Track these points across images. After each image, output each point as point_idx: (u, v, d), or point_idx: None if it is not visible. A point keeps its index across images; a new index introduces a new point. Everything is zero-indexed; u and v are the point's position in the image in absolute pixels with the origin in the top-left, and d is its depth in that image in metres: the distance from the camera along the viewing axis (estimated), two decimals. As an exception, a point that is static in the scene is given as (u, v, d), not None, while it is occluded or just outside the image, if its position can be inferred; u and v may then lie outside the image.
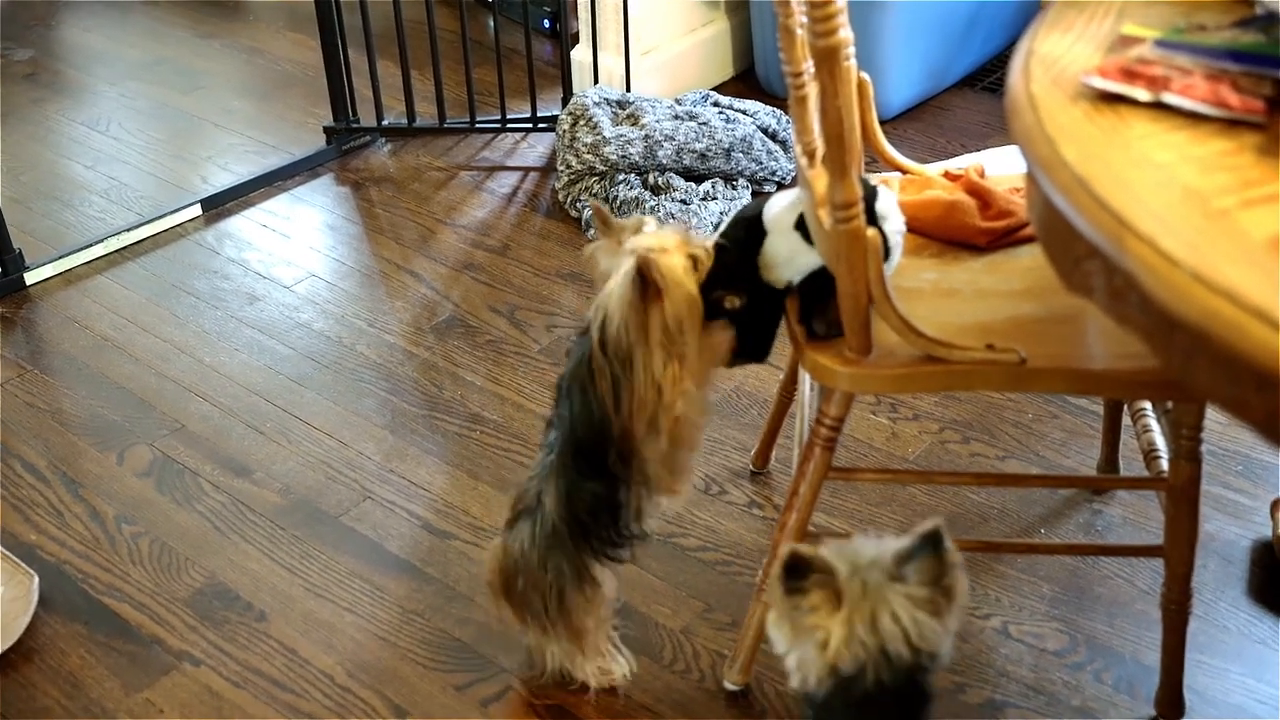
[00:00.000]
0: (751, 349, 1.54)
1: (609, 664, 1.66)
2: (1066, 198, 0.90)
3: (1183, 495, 1.46)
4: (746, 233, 1.45)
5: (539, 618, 1.58)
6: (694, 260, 1.41)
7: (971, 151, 1.75)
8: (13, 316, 2.47)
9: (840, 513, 1.93)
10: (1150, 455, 1.61)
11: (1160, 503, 1.54)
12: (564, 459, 1.51)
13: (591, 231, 2.62)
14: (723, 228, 1.50)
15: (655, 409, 1.43)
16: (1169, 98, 0.99)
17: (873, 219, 1.35)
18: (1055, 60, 1.08)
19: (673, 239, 1.42)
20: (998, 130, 2.94)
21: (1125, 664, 1.68)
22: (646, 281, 1.37)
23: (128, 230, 2.68)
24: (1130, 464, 1.94)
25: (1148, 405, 1.67)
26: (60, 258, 2.59)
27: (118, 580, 1.86)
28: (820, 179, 1.33)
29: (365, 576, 1.85)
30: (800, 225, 1.43)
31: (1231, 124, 0.97)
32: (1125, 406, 1.81)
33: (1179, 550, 1.50)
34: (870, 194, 1.38)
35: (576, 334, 1.51)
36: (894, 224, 1.40)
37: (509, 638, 1.73)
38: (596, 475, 1.49)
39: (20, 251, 2.53)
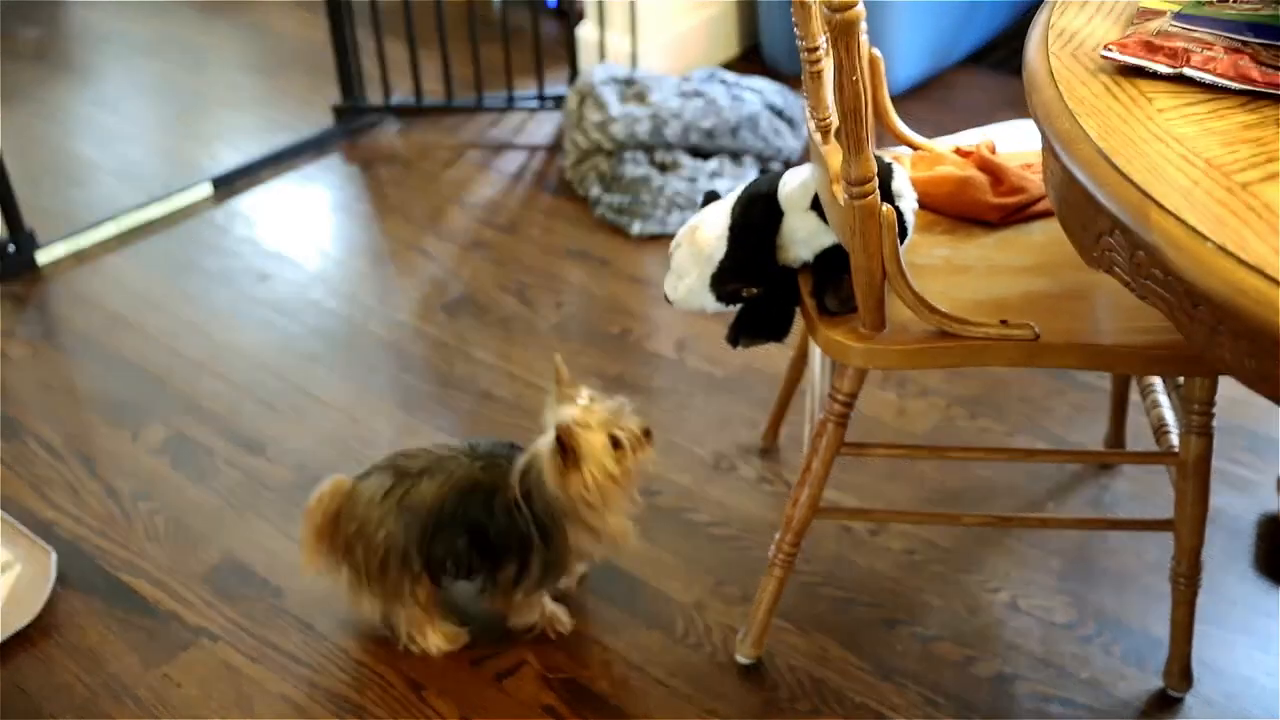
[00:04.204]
0: (770, 329, 1.54)
1: (438, 639, 1.70)
2: (1088, 172, 0.90)
3: (1194, 470, 1.47)
4: (765, 213, 1.46)
5: (357, 569, 1.63)
6: (614, 440, 1.54)
7: (978, 128, 1.75)
8: (25, 295, 2.47)
9: (850, 488, 1.94)
10: (1160, 430, 1.62)
11: (1170, 477, 1.55)
12: (461, 500, 1.60)
13: (599, 209, 2.62)
14: (734, 207, 1.51)
15: (591, 545, 1.62)
16: (1190, 71, 1.00)
17: (888, 196, 1.35)
18: (1074, 34, 1.08)
19: (599, 416, 1.55)
20: (1003, 107, 2.94)
21: (1133, 636, 1.69)
22: (565, 450, 1.52)
23: (138, 209, 2.68)
24: (1136, 439, 1.95)
25: (1157, 381, 1.68)
26: (71, 236, 2.59)
27: (134, 557, 1.87)
28: (835, 155, 1.34)
29: (380, 552, 1.86)
30: (816, 205, 1.43)
31: (1253, 97, 0.97)
32: (1134, 382, 1.82)
33: (1189, 525, 1.51)
34: (886, 171, 1.38)
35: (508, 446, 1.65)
36: (909, 202, 1.41)
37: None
38: (480, 540, 1.61)
39: (32, 231, 2.53)
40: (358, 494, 1.63)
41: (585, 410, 1.55)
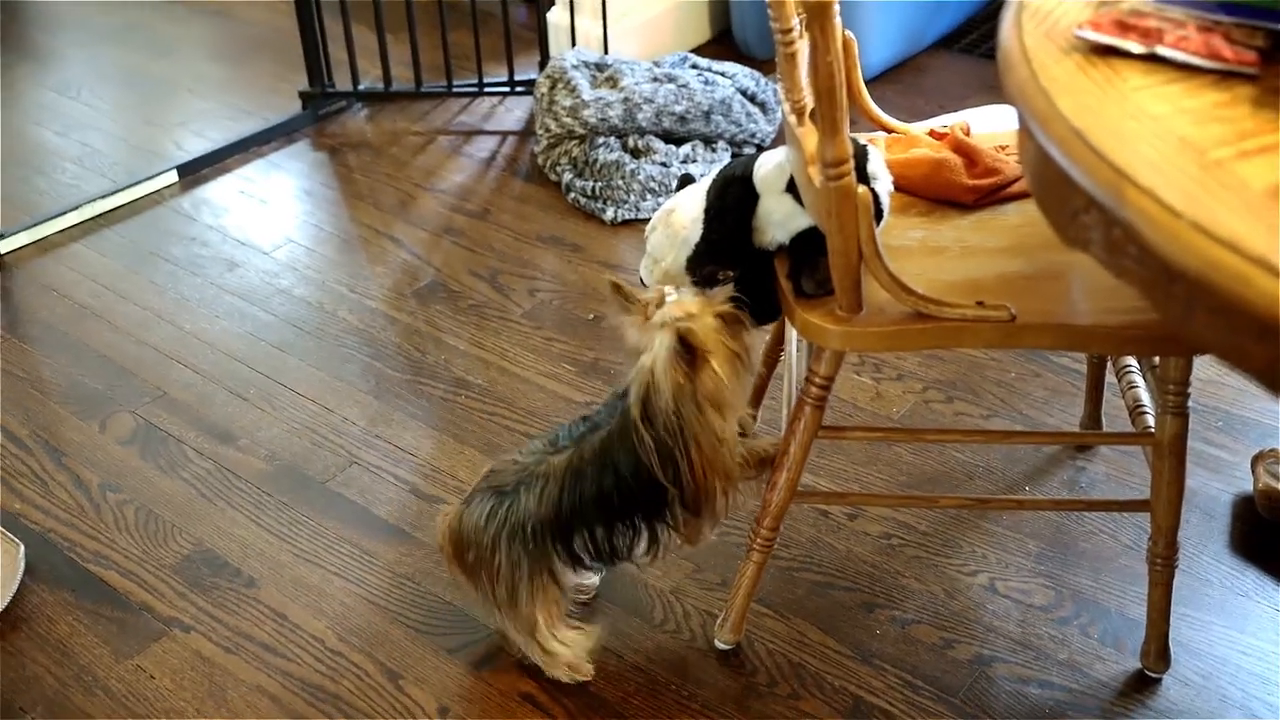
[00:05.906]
0: (759, 313, 1.53)
1: (577, 664, 1.62)
2: (1064, 150, 0.90)
3: (1170, 450, 1.48)
4: (741, 196, 1.45)
5: (485, 593, 1.57)
6: (721, 317, 1.46)
7: (950, 112, 1.75)
8: (-12, 285, 2.44)
9: (826, 472, 1.94)
10: (1136, 411, 1.63)
11: (1146, 458, 1.56)
12: (577, 484, 1.51)
13: (572, 195, 2.61)
14: (710, 189, 1.50)
15: (727, 460, 1.50)
16: (1163, 50, 0.99)
17: (863, 178, 1.35)
18: (1048, 14, 1.07)
19: (695, 303, 1.47)
20: (975, 91, 2.94)
21: (1111, 618, 1.70)
22: (690, 350, 1.43)
23: (103, 197, 2.65)
24: (1112, 420, 1.95)
25: (1133, 362, 1.68)
26: (35, 225, 2.56)
27: (104, 548, 1.85)
28: (810, 137, 1.33)
29: (354, 541, 1.85)
30: (792, 187, 1.43)
31: (1225, 76, 0.97)
32: (1109, 363, 1.83)
33: (1166, 505, 1.51)
34: (861, 154, 1.37)
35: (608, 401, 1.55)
36: (884, 184, 1.41)
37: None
38: (615, 515, 1.53)
39: (-6, 219, 2.50)
40: (465, 521, 1.56)
41: (680, 304, 1.46)
